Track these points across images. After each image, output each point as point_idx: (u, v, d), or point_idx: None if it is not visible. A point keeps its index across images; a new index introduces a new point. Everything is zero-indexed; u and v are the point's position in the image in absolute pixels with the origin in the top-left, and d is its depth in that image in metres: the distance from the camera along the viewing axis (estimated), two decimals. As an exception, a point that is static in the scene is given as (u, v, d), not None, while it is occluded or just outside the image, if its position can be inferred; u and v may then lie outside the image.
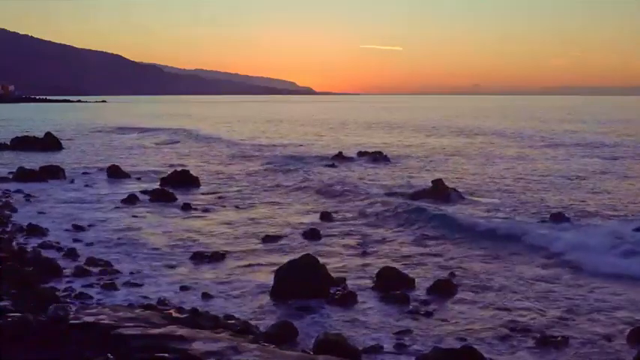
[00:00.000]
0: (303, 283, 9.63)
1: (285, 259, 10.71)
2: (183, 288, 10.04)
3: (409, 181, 22.83)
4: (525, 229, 14.12)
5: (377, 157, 28.46)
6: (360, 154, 29.25)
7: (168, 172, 23.61)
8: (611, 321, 8.59)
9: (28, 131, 46.04)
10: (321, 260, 10.39)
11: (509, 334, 8.11)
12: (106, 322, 6.35)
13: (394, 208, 17.32)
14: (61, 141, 38.58)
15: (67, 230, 14.35)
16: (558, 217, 15.00)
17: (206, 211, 17.20)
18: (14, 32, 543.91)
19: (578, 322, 8.52)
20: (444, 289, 9.86)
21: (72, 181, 22.67)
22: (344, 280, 10.39)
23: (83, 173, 24.98)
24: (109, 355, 5.70)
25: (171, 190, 19.65)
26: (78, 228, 14.47)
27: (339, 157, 28.28)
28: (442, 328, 8.34)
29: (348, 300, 9.44)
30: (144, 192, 19.75)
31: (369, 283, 10.33)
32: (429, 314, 8.88)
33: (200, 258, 11.92)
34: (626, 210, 16.72)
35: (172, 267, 11.42)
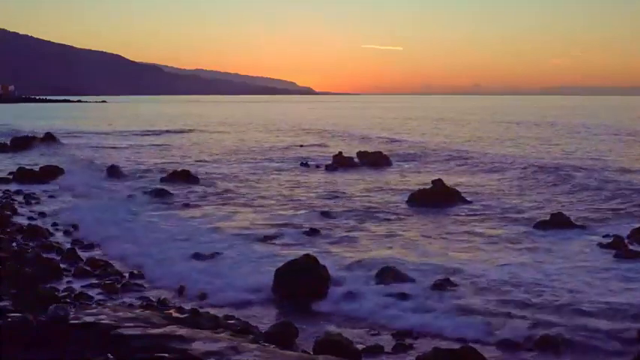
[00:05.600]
0: (303, 282, 9.64)
1: (285, 259, 10.71)
2: (183, 288, 10.04)
3: (408, 180, 22.87)
4: (524, 233, 14.15)
5: (377, 158, 28.43)
6: (360, 154, 29.19)
7: (169, 172, 23.66)
8: (611, 320, 8.58)
9: (28, 131, 46.03)
10: (321, 260, 10.39)
11: (509, 333, 8.10)
12: (106, 322, 6.35)
13: (394, 208, 17.35)
14: (61, 141, 38.62)
15: (67, 231, 14.35)
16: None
17: (206, 210, 17.20)
18: (14, 32, 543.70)
19: (578, 323, 8.51)
20: (444, 288, 9.86)
21: (72, 181, 22.65)
22: (344, 279, 10.39)
23: (83, 173, 24.96)
24: (109, 355, 5.70)
25: (171, 190, 19.69)
26: (77, 228, 14.47)
27: (339, 157, 28.22)
28: (442, 328, 8.34)
29: (347, 299, 9.44)
30: (144, 191, 19.78)
31: (369, 282, 10.31)
32: (428, 313, 8.87)
33: (200, 258, 11.92)
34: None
35: (172, 267, 11.40)
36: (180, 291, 9.95)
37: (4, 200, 18.32)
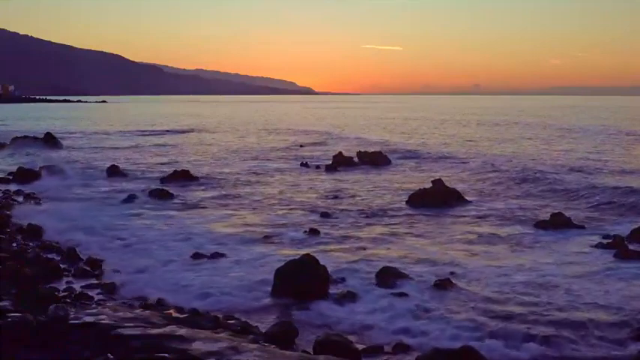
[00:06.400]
0: (303, 282, 9.64)
1: (285, 259, 10.71)
2: (183, 287, 10.04)
3: (408, 180, 22.87)
4: (523, 233, 14.15)
5: (377, 157, 28.42)
6: (360, 154, 29.17)
7: (169, 172, 23.67)
8: (611, 320, 8.58)
9: (28, 131, 46.01)
10: (321, 260, 10.39)
11: (509, 333, 8.10)
12: (106, 322, 6.36)
13: (394, 208, 17.34)
14: (62, 141, 38.63)
15: (66, 230, 14.32)
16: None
17: (206, 210, 17.21)
18: (14, 32, 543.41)
19: (578, 323, 8.50)
20: (443, 288, 9.87)
21: (72, 181, 22.67)
22: (344, 279, 10.40)
23: (83, 173, 24.98)
24: (109, 355, 5.70)
25: (171, 190, 19.69)
26: (78, 227, 14.46)
27: (339, 157, 28.20)
28: (442, 328, 8.34)
29: (348, 299, 9.44)
30: (144, 191, 19.78)
31: (369, 282, 10.33)
32: (428, 314, 8.87)
33: (200, 257, 11.92)
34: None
35: (172, 266, 11.41)
36: (182, 291, 9.95)
37: (3, 200, 18.32)
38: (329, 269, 10.29)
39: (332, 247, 13.01)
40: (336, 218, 15.98)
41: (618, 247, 12.38)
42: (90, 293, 9.75)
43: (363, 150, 30.21)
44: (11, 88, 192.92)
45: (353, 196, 19.44)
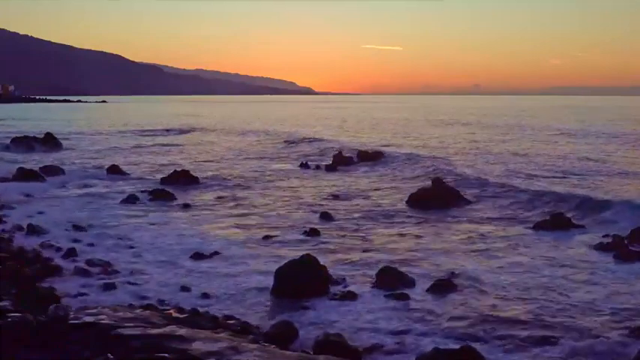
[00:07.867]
0: (303, 282, 9.65)
1: (285, 259, 10.71)
2: (183, 288, 10.04)
3: (408, 179, 22.87)
4: (524, 233, 14.15)
5: (377, 158, 28.42)
6: (360, 154, 29.17)
7: (169, 172, 23.66)
8: (611, 320, 8.59)
9: (28, 131, 45.99)
10: (321, 260, 10.40)
11: (509, 333, 8.11)
12: (106, 322, 6.35)
13: (394, 208, 17.35)
14: (62, 141, 38.62)
15: (66, 230, 14.34)
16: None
17: (206, 210, 17.21)
18: (14, 32, 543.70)
19: (578, 323, 8.51)
20: (443, 289, 9.87)
21: (72, 181, 22.68)
22: (344, 279, 10.40)
23: (83, 173, 24.98)
24: (109, 355, 5.70)
25: (171, 190, 19.68)
26: (77, 228, 14.47)
27: (339, 157, 28.21)
28: (442, 328, 8.34)
29: (348, 299, 9.45)
30: (144, 192, 19.78)
31: (369, 282, 10.34)
32: (428, 314, 8.88)
33: (200, 257, 11.93)
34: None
35: (172, 267, 11.41)
36: (182, 291, 9.95)
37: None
38: (329, 269, 10.30)
39: (332, 247, 13.02)
40: (336, 218, 15.97)
41: (618, 248, 12.38)
42: (90, 293, 9.72)
43: (363, 150, 30.21)
44: (11, 88, 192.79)
45: (353, 197, 19.44)
